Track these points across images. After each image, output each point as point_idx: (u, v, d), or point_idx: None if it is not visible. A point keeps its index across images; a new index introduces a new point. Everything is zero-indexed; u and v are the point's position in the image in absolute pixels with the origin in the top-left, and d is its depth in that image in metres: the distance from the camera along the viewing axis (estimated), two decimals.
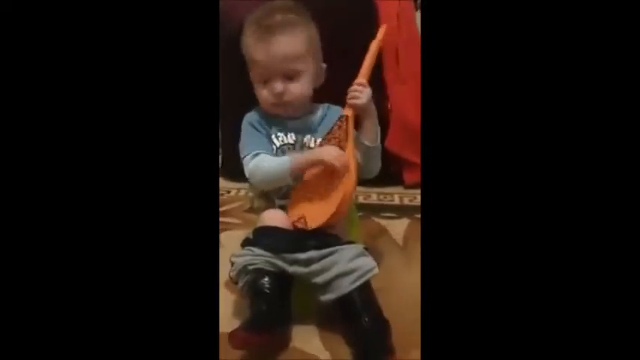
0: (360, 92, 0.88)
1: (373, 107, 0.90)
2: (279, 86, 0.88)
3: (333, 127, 0.89)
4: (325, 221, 0.83)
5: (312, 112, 0.96)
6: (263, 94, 0.91)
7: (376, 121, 0.92)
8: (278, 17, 0.89)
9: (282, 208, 0.91)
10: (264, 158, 0.88)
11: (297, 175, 0.87)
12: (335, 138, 0.87)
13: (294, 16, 0.90)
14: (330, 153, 0.84)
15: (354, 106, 0.88)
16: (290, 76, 0.89)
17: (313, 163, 0.86)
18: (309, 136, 0.93)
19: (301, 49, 0.89)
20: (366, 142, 0.90)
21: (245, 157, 0.91)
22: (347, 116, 0.88)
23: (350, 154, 0.85)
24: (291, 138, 0.93)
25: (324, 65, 0.95)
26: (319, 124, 0.95)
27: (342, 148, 0.85)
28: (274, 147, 0.92)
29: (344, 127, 0.87)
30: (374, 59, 0.92)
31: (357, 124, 0.91)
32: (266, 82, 0.90)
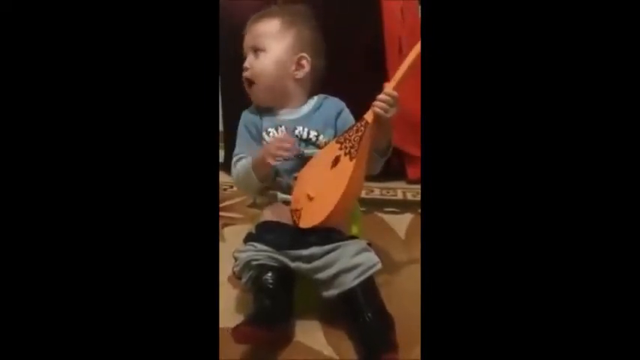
0: (390, 106, 0.83)
1: (393, 122, 0.86)
2: (246, 61, 0.94)
3: (350, 128, 0.86)
4: (318, 223, 0.82)
5: (304, 103, 0.96)
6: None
7: (391, 136, 0.89)
8: (269, 9, 0.96)
9: (286, 203, 0.91)
10: (241, 164, 0.91)
11: (263, 175, 0.88)
12: (348, 141, 0.85)
13: (281, 8, 0.95)
14: (268, 149, 0.85)
15: (378, 116, 0.84)
16: (255, 49, 0.93)
17: (261, 163, 0.87)
18: (300, 128, 0.92)
19: (271, 29, 0.93)
20: (375, 153, 0.89)
21: (233, 157, 0.94)
22: (367, 122, 0.84)
23: (360, 163, 0.84)
24: (281, 132, 0.92)
25: (308, 58, 0.93)
26: (313, 114, 0.94)
27: (351, 155, 0.83)
28: (265, 144, 0.92)
29: (361, 132, 0.84)
30: (413, 64, 0.83)
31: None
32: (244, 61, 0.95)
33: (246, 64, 0.94)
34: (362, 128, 0.84)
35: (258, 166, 0.88)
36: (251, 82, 0.94)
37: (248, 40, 0.95)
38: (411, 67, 0.83)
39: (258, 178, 0.89)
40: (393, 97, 0.83)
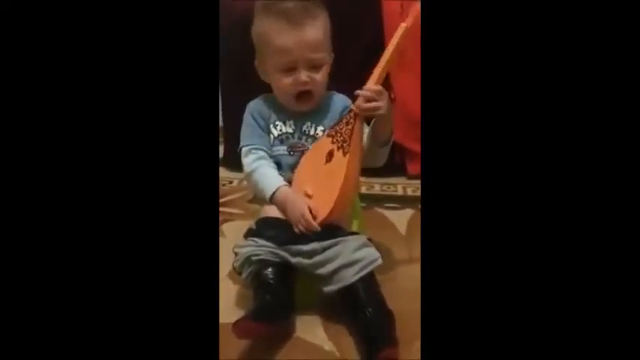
0: (381, 100, 0.81)
1: (390, 111, 0.84)
2: (304, 75, 0.86)
3: (340, 121, 0.85)
4: (321, 222, 0.82)
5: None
6: (285, 83, 0.87)
7: (392, 125, 0.87)
8: (299, 4, 0.86)
9: None
10: (261, 171, 0.89)
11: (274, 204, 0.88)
12: (339, 134, 0.84)
13: (313, 3, 0.88)
14: (300, 212, 0.82)
15: (374, 116, 0.83)
16: (315, 66, 0.87)
17: (282, 206, 0.86)
18: (308, 124, 0.92)
19: (323, 38, 0.87)
20: (375, 145, 0.88)
21: (241, 148, 0.92)
22: (355, 113, 0.83)
23: (354, 157, 0.83)
24: (289, 127, 0.92)
25: (332, 56, 0.92)
26: (321, 110, 0.93)
27: (344, 149, 0.82)
28: (272, 137, 0.92)
29: (351, 124, 0.83)
30: (391, 59, 0.83)
31: (369, 120, 0.87)
32: (289, 70, 0.87)
33: (305, 77, 0.86)
34: (351, 120, 0.83)
35: (277, 204, 0.87)
36: (307, 94, 0.89)
37: (301, 53, 0.85)
38: (392, 56, 0.83)
39: (269, 201, 0.88)
40: (378, 92, 0.82)
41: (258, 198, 0.94)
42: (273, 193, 0.87)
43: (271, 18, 0.86)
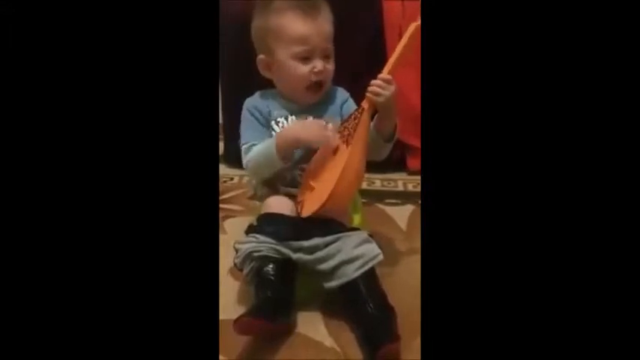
0: (383, 89, 0.83)
1: (394, 106, 0.85)
2: (320, 64, 0.88)
3: (349, 118, 0.86)
4: (315, 210, 0.82)
5: None
6: (301, 71, 0.88)
7: (395, 120, 0.88)
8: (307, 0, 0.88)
9: (287, 195, 0.90)
10: (254, 149, 0.88)
11: (286, 155, 0.85)
12: (346, 129, 0.85)
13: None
14: (308, 131, 0.83)
15: (372, 102, 0.84)
16: (326, 56, 0.89)
17: (294, 142, 0.85)
18: (310, 118, 0.92)
19: (331, 30, 0.89)
20: (380, 139, 0.89)
21: (242, 146, 0.92)
22: (363, 108, 0.85)
23: (356, 149, 0.83)
24: (291, 122, 0.92)
25: None
26: (322, 104, 0.93)
27: (347, 142, 0.83)
28: (274, 134, 0.91)
29: (357, 118, 0.84)
30: (404, 53, 0.85)
31: (375, 116, 0.87)
32: (305, 60, 0.87)
33: (321, 66, 0.88)
34: (359, 116, 0.85)
35: (288, 144, 0.85)
36: (317, 85, 0.90)
37: (319, 42, 0.87)
38: (403, 52, 0.84)
39: (280, 157, 0.85)
40: (385, 80, 0.83)
41: (265, 172, 0.90)
42: (275, 143, 0.85)
43: (284, 10, 0.87)
